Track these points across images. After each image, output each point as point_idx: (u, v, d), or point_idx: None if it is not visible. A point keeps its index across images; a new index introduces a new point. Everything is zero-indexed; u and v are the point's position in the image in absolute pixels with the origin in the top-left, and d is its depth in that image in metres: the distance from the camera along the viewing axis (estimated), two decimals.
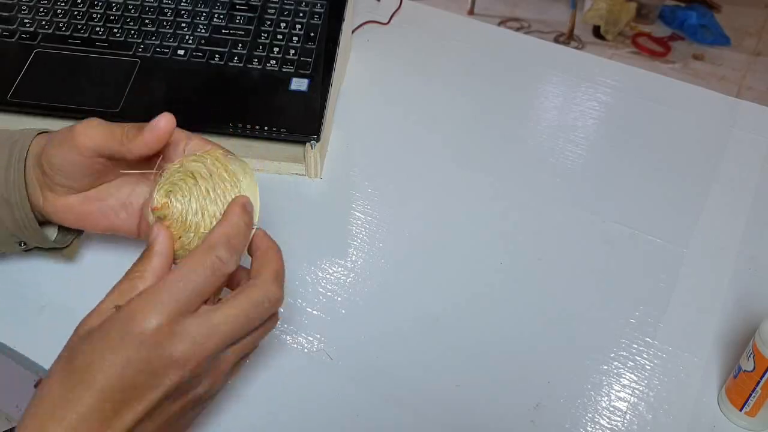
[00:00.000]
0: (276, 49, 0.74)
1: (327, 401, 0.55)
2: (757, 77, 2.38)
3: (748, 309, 0.61)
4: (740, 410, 0.53)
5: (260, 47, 0.74)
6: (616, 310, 0.61)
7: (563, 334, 0.59)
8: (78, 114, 0.69)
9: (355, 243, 0.65)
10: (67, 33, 0.74)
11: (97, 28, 0.74)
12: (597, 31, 2.53)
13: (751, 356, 0.51)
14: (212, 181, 0.46)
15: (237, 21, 0.76)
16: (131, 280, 0.42)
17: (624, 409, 0.55)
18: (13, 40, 0.73)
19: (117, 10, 0.76)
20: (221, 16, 0.76)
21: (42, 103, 0.69)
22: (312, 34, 0.75)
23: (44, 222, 0.55)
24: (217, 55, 0.73)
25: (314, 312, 0.60)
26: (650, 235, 0.67)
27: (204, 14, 0.76)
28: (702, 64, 2.43)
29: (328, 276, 0.62)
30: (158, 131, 0.47)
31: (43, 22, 0.74)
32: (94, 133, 0.48)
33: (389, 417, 0.54)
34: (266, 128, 0.68)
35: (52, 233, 0.56)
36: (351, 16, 0.80)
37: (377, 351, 0.58)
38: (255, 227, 0.47)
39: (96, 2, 0.77)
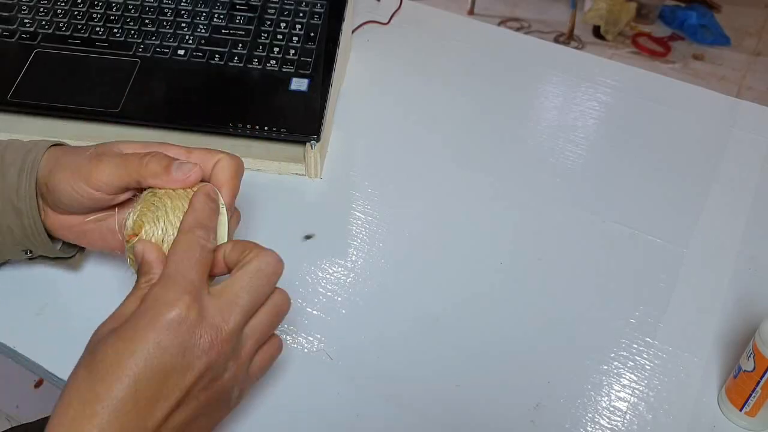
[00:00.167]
0: (276, 49, 0.74)
1: (327, 401, 0.55)
2: (757, 77, 2.37)
3: (748, 309, 0.61)
4: (740, 410, 0.53)
5: (260, 47, 0.74)
6: (616, 310, 0.61)
7: (563, 334, 0.59)
8: (78, 114, 0.69)
9: (355, 243, 0.65)
10: (67, 33, 0.74)
11: (97, 28, 0.74)
12: (597, 31, 2.53)
13: (751, 356, 0.51)
14: (179, 206, 0.47)
15: (237, 21, 0.76)
16: (140, 290, 0.43)
17: (624, 409, 0.55)
18: (13, 40, 0.73)
19: (117, 10, 0.76)
20: (221, 16, 0.76)
21: (42, 103, 0.69)
22: (312, 34, 0.75)
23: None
24: (217, 55, 0.73)
25: (314, 312, 0.60)
26: (650, 235, 0.67)
27: (204, 14, 0.76)
28: (702, 64, 2.43)
29: (328, 276, 0.62)
30: (186, 181, 0.48)
31: (43, 22, 0.74)
32: (109, 171, 0.48)
33: (389, 417, 0.54)
34: (266, 128, 0.68)
35: (57, 243, 0.56)
36: (351, 16, 0.80)
37: (377, 351, 0.58)
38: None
39: (96, 2, 0.77)
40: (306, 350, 0.57)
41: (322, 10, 0.77)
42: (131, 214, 0.48)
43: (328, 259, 0.64)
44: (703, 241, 0.66)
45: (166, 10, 0.76)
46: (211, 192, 0.47)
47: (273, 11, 0.77)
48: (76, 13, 0.76)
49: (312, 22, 0.76)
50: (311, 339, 0.58)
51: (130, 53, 0.73)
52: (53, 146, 0.52)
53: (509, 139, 0.75)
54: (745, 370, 0.52)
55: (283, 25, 0.76)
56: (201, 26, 0.75)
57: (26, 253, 0.55)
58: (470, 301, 0.61)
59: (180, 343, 0.40)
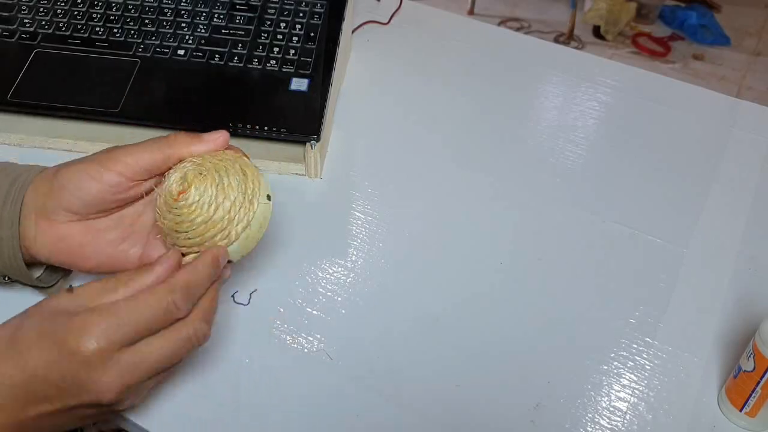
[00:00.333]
0: (276, 49, 0.74)
1: (327, 401, 0.55)
2: (757, 77, 2.38)
3: (748, 309, 0.61)
4: (740, 410, 0.53)
5: (260, 47, 0.74)
6: (616, 310, 0.61)
7: (563, 334, 0.59)
8: (78, 114, 0.69)
9: (355, 243, 0.65)
10: (67, 33, 0.74)
11: (97, 28, 0.74)
12: (597, 31, 2.53)
13: (751, 356, 0.51)
14: (228, 176, 0.47)
15: (237, 21, 0.76)
16: (117, 280, 0.45)
17: (624, 409, 0.55)
18: (13, 40, 0.73)
19: (117, 10, 0.76)
20: (221, 16, 0.76)
21: (42, 103, 0.69)
22: (312, 34, 0.75)
23: (31, 263, 0.52)
24: (217, 55, 0.73)
25: (314, 312, 0.60)
26: (650, 235, 0.67)
27: (204, 14, 0.76)
28: (702, 64, 2.43)
29: (328, 276, 0.62)
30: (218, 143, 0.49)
31: (43, 22, 0.74)
32: (133, 150, 0.48)
33: (389, 417, 0.54)
34: (266, 128, 0.68)
35: (37, 272, 0.54)
36: (351, 16, 0.80)
37: (377, 351, 0.58)
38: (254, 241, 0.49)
39: (96, 2, 0.77)
40: (306, 350, 0.57)
41: (322, 10, 0.77)
42: (171, 175, 0.47)
43: (328, 259, 0.64)
44: (703, 241, 0.66)
45: (166, 10, 0.76)
46: (220, 258, 0.47)
47: (273, 11, 0.77)
48: (76, 13, 0.76)
49: (312, 22, 0.76)
50: (311, 339, 0.58)
51: (130, 53, 0.73)
52: (44, 170, 0.51)
53: (509, 139, 0.75)
54: (745, 370, 0.52)
55: (283, 25, 0.76)
56: (201, 26, 0.75)
57: (3, 279, 0.53)
58: (470, 301, 0.61)
59: (76, 376, 0.41)
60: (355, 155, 0.73)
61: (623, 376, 0.57)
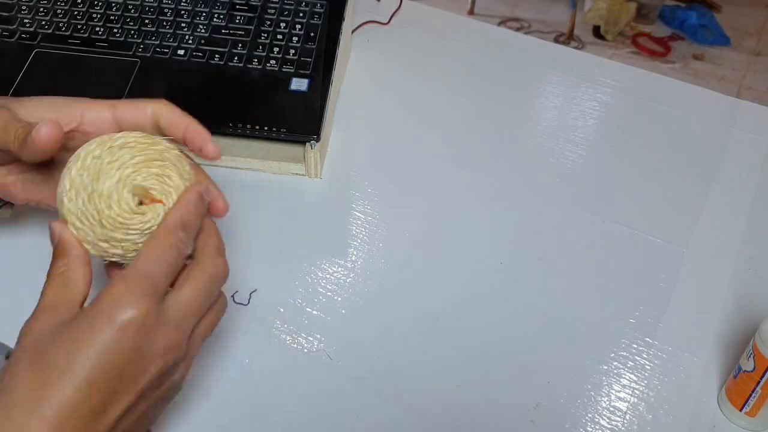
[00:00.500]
0: (276, 49, 0.74)
1: (327, 401, 0.55)
2: (757, 77, 2.38)
3: (748, 309, 0.61)
4: (740, 410, 0.53)
5: (260, 47, 0.74)
6: (616, 310, 0.61)
7: (563, 334, 0.59)
8: None
9: (355, 243, 0.65)
10: (67, 33, 0.74)
11: (97, 28, 0.74)
12: (597, 31, 2.53)
13: (751, 356, 0.51)
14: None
15: (237, 21, 0.76)
16: (61, 275, 0.41)
17: (624, 409, 0.55)
18: (13, 40, 0.73)
19: (117, 10, 0.76)
20: (221, 16, 0.76)
21: None
22: (312, 34, 0.75)
23: None
24: (217, 55, 0.73)
25: (314, 312, 0.60)
26: (650, 235, 0.67)
27: (204, 14, 0.76)
28: (702, 64, 2.43)
29: (328, 276, 0.62)
30: (39, 143, 0.43)
31: (43, 22, 0.74)
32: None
33: (389, 417, 0.54)
34: (266, 128, 0.68)
35: None
36: (351, 16, 0.80)
37: (377, 351, 0.58)
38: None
39: (96, 2, 0.77)
40: (306, 350, 0.57)
41: (322, 10, 0.77)
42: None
43: (328, 259, 0.64)
44: (703, 241, 0.66)
45: (166, 10, 0.76)
46: (204, 194, 0.45)
47: (273, 11, 0.77)
48: (75, 13, 0.76)
49: (312, 22, 0.76)
50: (311, 339, 0.58)
51: (130, 53, 0.73)
52: None
53: (509, 139, 0.75)
54: (745, 370, 0.52)
55: (283, 25, 0.76)
56: (201, 26, 0.75)
57: None
58: (470, 301, 0.61)
59: (136, 347, 0.39)
60: (355, 155, 0.73)
61: (623, 376, 0.57)
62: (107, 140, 0.43)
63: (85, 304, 0.41)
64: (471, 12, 2.59)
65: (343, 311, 0.60)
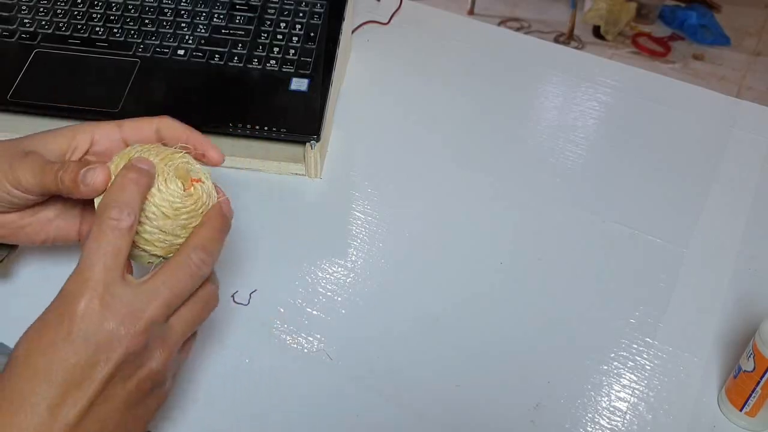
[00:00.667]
0: (276, 49, 0.74)
1: (327, 401, 0.55)
2: (757, 77, 2.38)
3: (748, 309, 0.61)
4: (740, 410, 0.53)
5: (260, 47, 0.74)
6: (616, 310, 0.61)
7: (563, 334, 0.59)
8: (78, 114, 0.69)
9: (355, 243, 0.65)
10: (67, 33, 0.74)
11: (97, 28, 0.74)
12: (597, 31, 2.53)
13: (751, 356, 0.51)
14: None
15: (237, 21, 0.76)
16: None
17: (624, 409, 0.55)
18: (13, 40, 0.73)
19: (117, 10, 0.76)
20: (221, 16, 0.76)
21: (42, 103, 0.69)
22: (312, 34, 0.75)
23: None
24: (217, 55, 0.73)
25: (314, 312, 0.60)
26: (650, 235, 0.67)
27: (204, 14, 0.76)
28: (702, 64, 2.43)
29: (328, 276, 0.62)
30: (95, 186, 0.44)
31: (43, 22, 0.74)
32: (29, 175, 0.46)
33: (389, 417, 0.54)
34: (266, 128, 0.68)
35: None
36: (351, 16, 0.80)
37: (377, 351, 0.58)
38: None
39: (96, 2, 0.77)
40: (306, 350, 0.57)
41: (322, 10, 0.77)
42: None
43: (328, 259, 0.64)
44: (703, 241, 0.66)
45: (166, 10, 0.76)
46: (228, 212, 0.46)
47: (273, 11, 0.77)
48: (76, 13, 0.76)
49: (312, 22, 0.76)
50: (311, 339, 0.58)
51: (130, 53, 0.73)
52: None
53: (509, 139, 0.75)
54: (745, 370, 0.52)
55: (283, 25, 0.76)
56: (201, 26, 0.75)
57: None
58: (470, 301, 0.61)
59: (86, 336, 0.39)
60: (355, 155, 0.73)
61: (623, 376, 0.57)
62: (126, 153, 0.46)
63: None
64: (471, 12, 2.59)
65: (343, 311, 0.60)
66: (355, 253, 0.64)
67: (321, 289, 0.61)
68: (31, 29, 0.74)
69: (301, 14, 0.77)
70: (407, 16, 0.89)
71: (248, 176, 0.70)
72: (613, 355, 0.58)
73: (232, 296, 0.60)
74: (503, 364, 0.57)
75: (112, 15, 0.76)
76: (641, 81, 0.83)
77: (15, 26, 0.74)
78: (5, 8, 0.75)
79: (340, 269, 0.63)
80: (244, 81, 0.72)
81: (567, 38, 2.51)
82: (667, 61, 2.44)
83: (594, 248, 0.65)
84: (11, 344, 0.41)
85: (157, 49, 0.73)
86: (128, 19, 0.75)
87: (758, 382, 0.51)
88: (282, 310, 0.60)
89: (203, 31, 0.75)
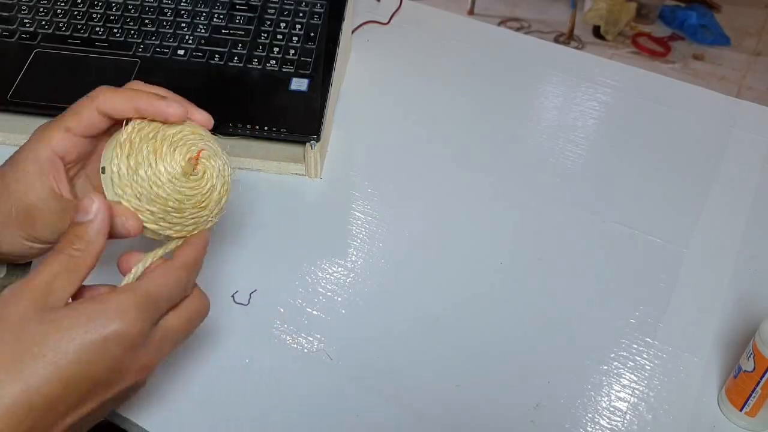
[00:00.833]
0: (276, 49, 0.74)
1: (327, 401, 0.54)
2: (757, 77, 2.38)
3: (748, 309, 0.61)
4: (740, 410, 0.53)
5: (260, 47, 0.74)
6: (616, 310, 0.61)
7: (563, 334, 0.59)
8: None
9: (355, 243, 0.65)
10: (67, 33, 0.74)
11: (97, 28, 0.74)
12: (597, 31, 2.53)
13: (751, 356, 0.51)
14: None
15: (237, 21, 0.76)
16: (71, 259, 0.40)
17: (624, 409, 0.55)
18: (13, 40, 0.73)
19: (117, 10, 0.76)
20: (221, 16, 0.76)
21: (42, 103, 0.69)
22: (312, 34, 0.75)
23: None
24: (217, 55, 0.73)
25: (314, 312, 0.60)
26: (650, 235, 0.67)
27: (204, 14, 0.76)
28: (702, 64, 2.43)
29: (328, 276, 0.62)
30: (131, 233, 0.43)
31: (43, 22, 0.74)
32: (46, 233, 0.45)
33: (389, 417, 0.54)
34: (266, 128, 0.68)
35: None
36: (351, 16, 0.80)
37: (377, 351, 0.58)
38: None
39: (96, 2, 0.77)
40: (306, 350, 0.57)
41: (322, 10, 0.77)
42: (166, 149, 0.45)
43: (328, 259, 0.64)
44: (703, 241, 0.66)
45: (166, 10, 0.76)
46: (208, 240, 0.46)
47: (273, 11, 0.77)
48: (75, 13, 0.76)
49: (312, 22, 0.76)
50: (311, 339, 0.58)
51: (130, 53, 0.73)
52: None
53: (509, 139, 0.75)
54: (745, 370, 0.52)
55: (283, 25, 0.76)
56: (201, 26, 0.75)
57: None
58: (470, 301, 0.61)
59: (120, 361, 0.39)
60: (355, 155, 0.73)
61: (623, 376, 0.57)
62: (114, 138, 0.45)
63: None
64: (471, 12, 2.59)
65: (343, 311, 0.60)
66: (355, 253, 0.64)
67: (321, 289, 0.61)
68: (31, 29, 0.74)
69: (301, 14, 0.77)
70: (407, 16, 0.89)
71: (248, 176, 0.70)
72: (613, 355, 0.58)
73: (233, 296, 0.60)
74: (503, 364, 0.57)
75: (112, 15, 0.76)
76: (641, 81, 0.83)
77: (15, 26, 0.74)
78: (5, 8, 0.75)
79: (340, 269, 0.63)
80: (244, 81, 0.72)
81: (567, 38, 2.51)
82: (667, 61, 2.44)
83: (594, 248, 0.65)
84: None
85: (157, 49, 0.73)
86: (128, 19, 0.75)
87: (758, 382, 0.51)
88: (282, 310, 0.60)
89: (203, 31, 0.75)
